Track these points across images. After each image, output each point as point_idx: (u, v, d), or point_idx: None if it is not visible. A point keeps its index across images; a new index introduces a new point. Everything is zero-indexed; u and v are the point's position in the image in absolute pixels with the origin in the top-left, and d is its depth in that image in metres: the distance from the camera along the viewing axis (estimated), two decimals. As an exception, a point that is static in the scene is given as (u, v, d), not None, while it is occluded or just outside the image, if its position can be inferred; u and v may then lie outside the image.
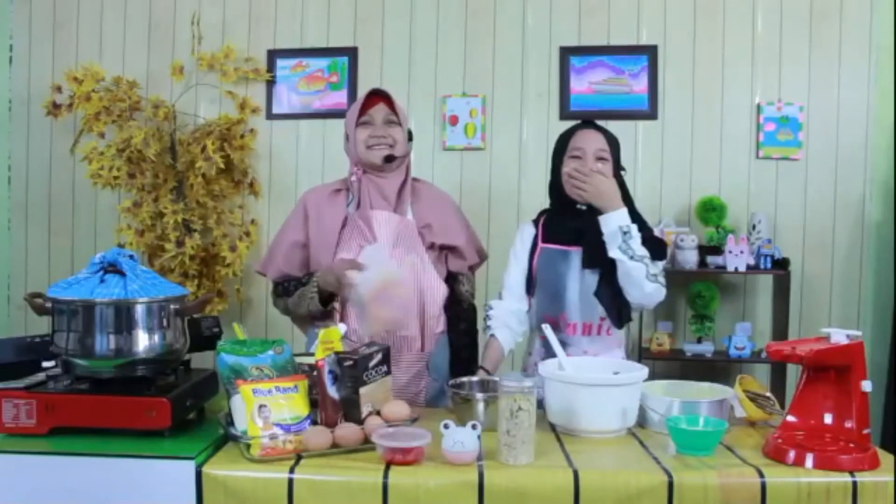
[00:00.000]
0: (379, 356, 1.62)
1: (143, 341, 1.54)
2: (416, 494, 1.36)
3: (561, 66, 3.46)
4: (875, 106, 3.34)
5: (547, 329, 1.84)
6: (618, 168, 2.05)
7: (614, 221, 1.92)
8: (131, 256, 1.59)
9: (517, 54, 3.49)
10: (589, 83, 3.45)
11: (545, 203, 2.17)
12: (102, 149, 3.34)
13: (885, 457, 1.46)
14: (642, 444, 1.58)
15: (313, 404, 1.57)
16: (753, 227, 3.29)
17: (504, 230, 3.29)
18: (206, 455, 1.46)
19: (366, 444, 1.48)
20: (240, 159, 3.48)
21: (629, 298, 1.97)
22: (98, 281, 1.55)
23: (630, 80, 3.43)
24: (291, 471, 1.39)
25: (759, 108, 3.39)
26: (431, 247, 2.11)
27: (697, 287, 3.32)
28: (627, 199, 1.99)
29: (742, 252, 3.14)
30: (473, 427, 1.44)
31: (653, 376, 1.76)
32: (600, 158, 2.00)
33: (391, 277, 2.00)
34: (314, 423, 1.53)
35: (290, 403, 1.51)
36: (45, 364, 1.68)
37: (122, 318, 1.53)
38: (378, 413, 1.58)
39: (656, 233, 3.20)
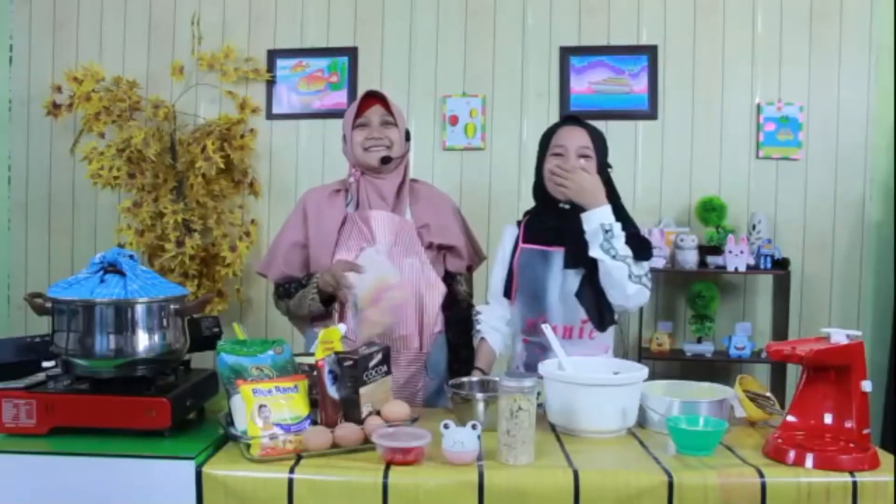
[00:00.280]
0: (379, 356, 1.62)
1: (143, 341, 1.54)
2: (416, 494, 1.36)
3: (561, 66, 3.46)
4: (875, 106, 3.34)
5: (547, 329, 1.82)
6: (603, 165, 1.99)
7: (596, 219, 1.86)
8: (131, 256, 1.59)
9: (517, 54, 3.50)
10: (589, 83, 3.45)
11: (544, 203, 2.16)
12: (102, 149, 3.35)
13: (885, 457, 1.46)
14: (642, 444, 1.58)
15: (313, 404, 1.57)
16: (753, 227, 3.29)
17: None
18: (206, 455, 1.46)
19: (366, 444, 1.48)
20: (240, 159, 3.48)
21: (611, 300, 1.91)
22: (98, 281, 1.54)
23: (630, 80, 3.43)
24: (291, 471, 1.38)
25: (759, 108, 3.39)
26: (430, 247, 2.11)
27: (697, 287, 3.32)
28: (614, 197, 1.94)
29: (742, 252, 3.14)
30: (473, 427, 1.43)
31: (653, 376, 1.75)
32: (583, 156, 1.94)
33: (387, 281, 1.99)
34: (314, 423, 1.53)
35: (290, 403, 1.51)
36: (45, 364, 1.68)
37: (122, 318, 1.52)
38: (378, 413, 1.58)
39: (656, 233, 3.24)
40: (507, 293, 2.04)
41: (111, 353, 1.52)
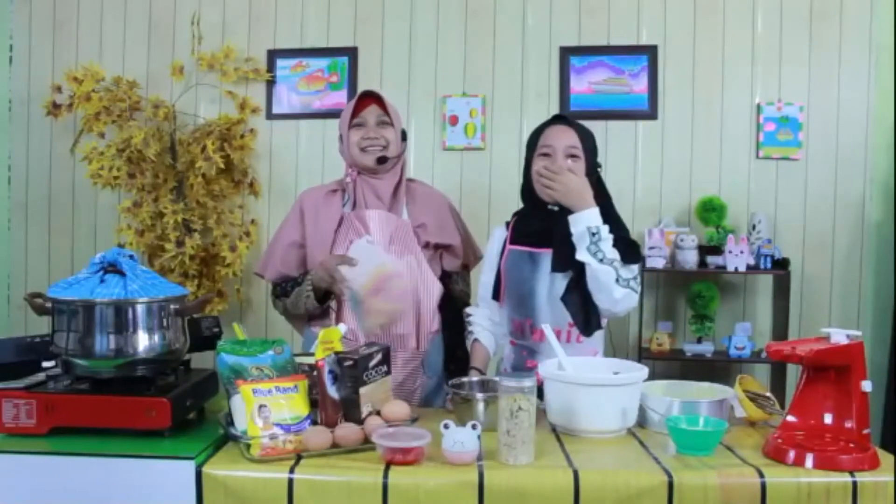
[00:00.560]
0: (379, 356, 1.62)
1: (143, 341, 1.54)
2: (416, 494, 1.36)
3: (561, 66, 3.46)
4: (875, 106, 3.34)
5: (547, 329, 1.81)
6: (593, 166, 1.95)
7: (583, 222, 1.82)
8: (131, 256, 1.59)
9: (517, 54, 3.49)
10: (589, 83, 3.45)
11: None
12: (102, 149, 3.35)
13: (885, 457, 1.46)
14: (642, 444, 1.58)
15: (313, 404, 1.57)
16: (753, 227, 3.29)
17: (504, 230, 3.29)
18: (206, 455, 1.46)
19: (366, 444, 1.48)
20: (240, 159, 3.48)
21: (598, 304, 1.86)
22: (98, 281, 1.54)
23: (630, 80, 3.43)
24: (291, 471, 1.38)
25: (759, 108, 3.39)
26: (426, 246, 2.12)
27: (697, 287, 3.32)
28: (604, 199, 1.90)
29: (742, 252, 3.14)
30: (473, 427, 1.43)
31: (653, 376, 1.75)
32: (571, 156, 1.90)
33: (386, 269, 1.97)
34: (314, 423, 1.53)
35: (290, 403, 1.51)
36: (45, 364, 1.68)
37: (122, 318, 1.52)
38: (378, 413, 1.58)
39: (656, 233, 3.24)
40: (496, 295, 2.02)
41: (111, 353, 1.52)
